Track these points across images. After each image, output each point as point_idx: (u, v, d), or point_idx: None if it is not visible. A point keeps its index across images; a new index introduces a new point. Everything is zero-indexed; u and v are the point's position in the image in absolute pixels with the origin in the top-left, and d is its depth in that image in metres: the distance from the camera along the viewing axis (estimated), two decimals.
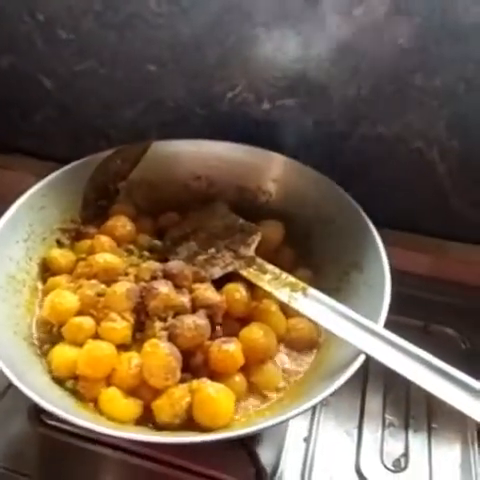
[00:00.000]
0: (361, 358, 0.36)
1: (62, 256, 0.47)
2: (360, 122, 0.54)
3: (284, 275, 0.45)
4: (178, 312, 0.42)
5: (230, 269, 0.46)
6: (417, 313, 0.54)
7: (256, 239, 0.48)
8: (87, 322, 0.41)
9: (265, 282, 0.44)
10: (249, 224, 0.50)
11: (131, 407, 0.38)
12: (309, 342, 0.44)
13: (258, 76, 0.54)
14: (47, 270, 0.47)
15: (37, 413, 0.45)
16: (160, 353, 0.38)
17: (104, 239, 0.47)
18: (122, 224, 0.49)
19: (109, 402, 0.38)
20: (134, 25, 0.54)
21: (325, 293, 0.43)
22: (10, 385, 0.46)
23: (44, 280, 0.46)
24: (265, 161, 0.53)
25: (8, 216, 0.45)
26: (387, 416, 0.47)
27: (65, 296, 0.41)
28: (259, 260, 0.46)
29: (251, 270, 0.46)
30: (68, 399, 0.39)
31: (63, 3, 0.54)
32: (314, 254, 0.50)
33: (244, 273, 0.46)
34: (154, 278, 0.43)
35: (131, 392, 0.39)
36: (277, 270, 0.45)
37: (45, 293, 0.45)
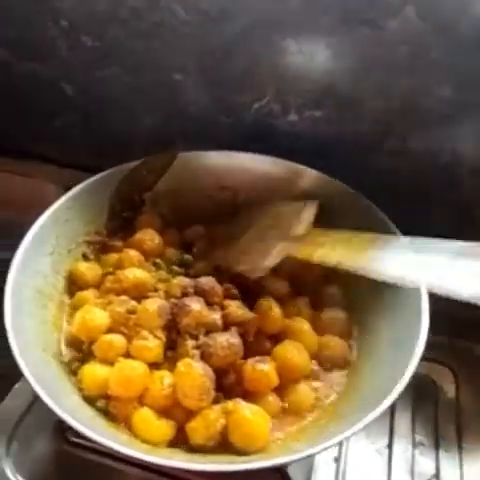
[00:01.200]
0: (405, 379, 0.36)
1: (89, 270, 0.46)
2: (388, 136, 0.53)
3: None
4: (210, 330, 0.41)
5: (283, 254, 0.44)
6: (442, 328, 0.54)
7: (310, 213, 0.46)
8: (118, 340, 0.40)
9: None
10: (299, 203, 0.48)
11: (164, 428, 0.38)
12: (341, 360, 0.43)
13: (286, 87, 0.53)
14: (73, 283, 0.46)
15: (62, 430, 0.44)
16: (194, 373, 0.37)
17: (133, 253, 0.46)
18: (150, 237, 0.48)
19: (142, 423, 0.37)
20: (160, 33, 0.53)
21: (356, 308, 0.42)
22: (34, 401, 0.46)
23: (71, 294, 0.46)
24: (293, 174, 0.52)
25: (35, 230, 0.44)
26: (417, 435, 0.47)
27: (95, 312, 0.41)
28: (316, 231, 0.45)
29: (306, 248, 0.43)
30: (99, 419, 0.38)
31: (89, 10, 0.54)
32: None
33: (298, 255, 0.43)
34: (185, 294, 0.42)
35: (164, 412, 0.38)
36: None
37: (73, 308, 0.44)
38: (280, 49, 0.51)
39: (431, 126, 0.52)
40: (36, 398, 0.46)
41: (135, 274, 0.43)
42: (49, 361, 0.40)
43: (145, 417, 0.38)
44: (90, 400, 0.39)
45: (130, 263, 0.45)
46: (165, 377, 0.39)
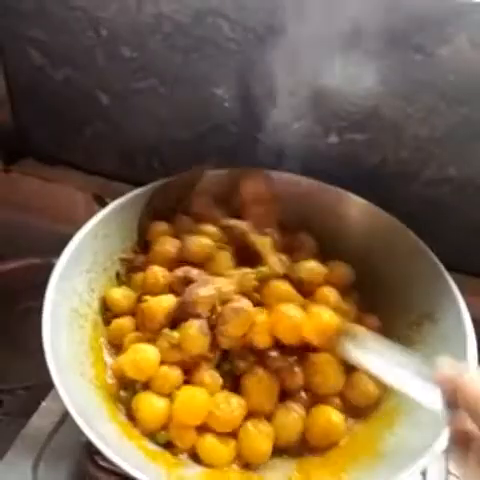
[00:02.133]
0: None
1: (124, 297, 0.45)
2: (430, 163, 0.53)
3: None
4: None
5: None
6: None
7: None
8: (173, 373, 0.40)
9: None
10: None
11: (229, 450, 0.38)
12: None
13: (328, 108, 0.52)
14: (108, 310, 0.45)
15: (90, 453, 0.43)
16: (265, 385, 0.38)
17: (156, 269, 0.44)
18: (170, 245, 0.46)
19: (209, 449, 0.38)
20: (203, 48, 0.52)
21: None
22: (63, 420, 0.45)
23: (104, 317, 0.45)
24: (332, 197, 0.51)
25: (73, 245, 0.43)
26: (450, 475, 0.46)
27: (145, 350, 0.40)
28: None
29: None
30: (136, 451, 0.37)
31: (130, 22, 0.53)
32: (381, 301, 0.48)
33: None
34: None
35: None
36: None
37: (112, 337, 0.43)
38: (325, 69, 0.50)
39: (474, 155, 0.51)
40: (64, 418, 0.45)
41: (162, 304, 0.42)
42: (87, 386, 0.39)
43: (211, 443, 0.38)
44: (150, 434, 0.39)
45: (155, 280, 0.44)
46: (230, 398, 0.38)
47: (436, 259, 0.46)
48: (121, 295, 0.45)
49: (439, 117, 0.50)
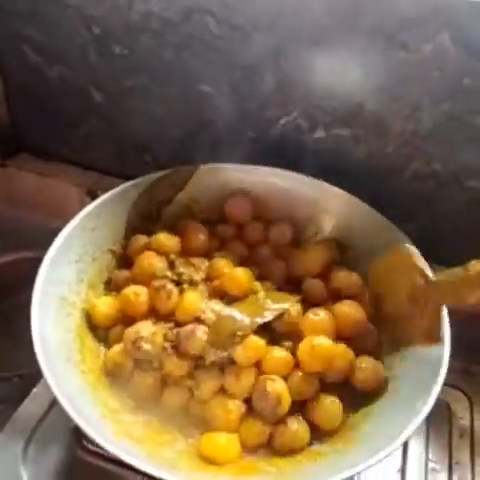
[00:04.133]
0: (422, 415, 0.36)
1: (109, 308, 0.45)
2: (415, 158, 0.54)
3: None
4: None
5: None
6: (459, 353, 0.54)
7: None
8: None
9: None
10: None
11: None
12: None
13: (315, 104, 0.53)
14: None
15: (79, 437, 0.45)
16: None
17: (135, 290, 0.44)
18: (149, 261, 0.46)
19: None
20: (191, 46, 0.54)
21: None
22: (52, 406, 0.47)
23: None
24: (319, 192, 0.52)
25: (62, 237, 0.44)
26: (430, 461, 0.47)
27: None
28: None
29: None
30: (122, 435, 0.38)
31: (121, 20, 0.54)
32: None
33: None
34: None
35: None
36: None
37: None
38: (311, 66, 0.51)
39: (458, 151, 0.52)
40: (53, 403, 0.47)
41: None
42: (73, 371, 0.40)
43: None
44: None
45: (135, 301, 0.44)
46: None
47: (418, 253, 0.47)
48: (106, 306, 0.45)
49: (423, 113, 0.51)
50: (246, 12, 0.49)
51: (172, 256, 0.47)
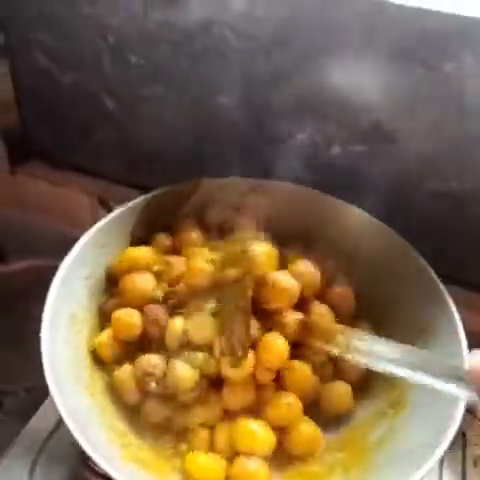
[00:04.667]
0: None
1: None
2: (432, 176, 0.53)
3: None
4: None
5: None
6: None
7: None
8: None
9: None
10: None
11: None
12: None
13: (331, 120, 0.53)
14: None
15: (86, 457, 0.44)
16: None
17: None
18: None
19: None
20: (208, 57, 0.53)
21: None
22: (59, 424, 0.46)
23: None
24: (332, 209, 0.51)
25: (75, 253, 0.44)
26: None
27: None
28: None
29: None
30: (127, 461, 0.37)
31: (138, 30, 0.53)
32: (377, 314, 0.48)
33: None
34: None
35: None
36: None
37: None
38: (329, 81, 0.50)
39: (476, 170, 0.51)
40: (60, 423, 0.46)
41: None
42: (82, 393, 0.39)
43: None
44: None
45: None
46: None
47: (434, 275, 0.46)
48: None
49: (442, 131, 0.50)
50: (264, 25, 0.49)
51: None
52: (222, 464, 0.39)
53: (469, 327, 0.43)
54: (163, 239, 0.50)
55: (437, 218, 0.54)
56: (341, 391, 0.44)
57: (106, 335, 0.43)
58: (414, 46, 0.46)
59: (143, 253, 0.46)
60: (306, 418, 0.42)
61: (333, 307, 0.46)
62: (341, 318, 0.46)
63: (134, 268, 0.45)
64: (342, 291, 0.48)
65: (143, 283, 0.44)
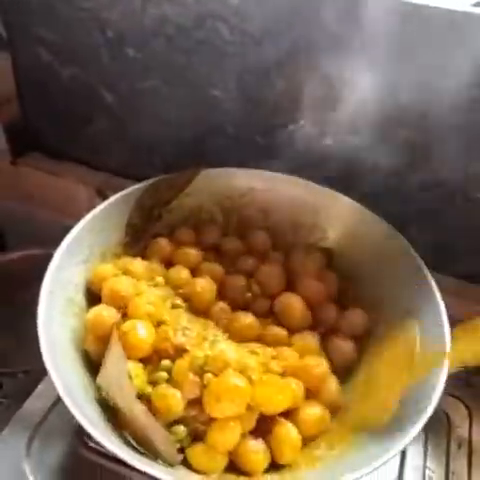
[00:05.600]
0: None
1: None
2: (422, 167, 0.54)
3: None
4: None
5: None
6: None
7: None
8: None
9: None
10: None
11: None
12: None
13: (323, 111, 0.54)
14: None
15: (81, 434, 0.45)
16: None
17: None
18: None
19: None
20: (203, 51, 0.54)
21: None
22: (56, 403, 0.47)
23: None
24: (325, 199, 0.53)
25: (70, 238, 0.45)
26: (427, 470, 0.47)
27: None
28: None
29: None
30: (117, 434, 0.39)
31: (135, 24, 0.55)
32: (365, 298, 0.49)
33: None
34: None
35: None
36: None
37: None
38: (321, 74, 0.51)
39: (467, 161, 0.52)
40: (58, 400, 0.47)
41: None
42: (79, 370, 0.41)
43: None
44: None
45: None
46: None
47: (422, 263, 0.47)
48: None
49: (433, 122, 0.51)
50: (258, 19, 0.50)
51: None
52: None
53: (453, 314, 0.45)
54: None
55: (429, 210, 0.56)
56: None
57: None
58: (409, 40, 0.47)
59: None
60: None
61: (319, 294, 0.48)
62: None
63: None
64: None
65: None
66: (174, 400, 0.39)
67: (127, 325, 0.41)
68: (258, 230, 0.54)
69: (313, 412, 0.41)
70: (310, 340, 0.45)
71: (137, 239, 0.52)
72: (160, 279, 0.48)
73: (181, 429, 0.39)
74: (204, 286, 0.46)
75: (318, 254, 0.52)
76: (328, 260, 0.52)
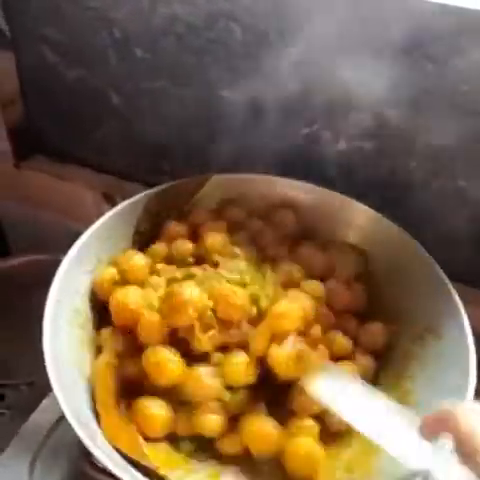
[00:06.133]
0: None
1: None
2: (439, 174, 0.52)
3: None
4: None
5: None
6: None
7: None
8: None
9: None
10: None
11: None
12: None
13: (338, 115, 0.52)
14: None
15: (87, 452, 0.44)
16: None
17: None
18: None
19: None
20: (214, 51, 0.52)
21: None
22: (61, 418, 0.46)
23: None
24: (337, 205, 0.51)
25: (78, 247, 0.43)
26: None
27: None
28: None
29: None
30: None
31: (144, 23, 0.53)
32: (385, 312, 0.47)
33: None
34: None
35: None
36: None
37: None
38: (336, 76, 0.50)
39: None
40: (62, 417, 0.46)
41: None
42: (83, 387, 0.39)
43: None
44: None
45: None
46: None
47: (442, 272, 0.45)
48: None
49: (450, 127, 0.49)
50: (271, 20, 0.48)
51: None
52: None
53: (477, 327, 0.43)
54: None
55: (446, 216, 0.54)
56: None
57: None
58: (422, 41, 0.45)
59: None
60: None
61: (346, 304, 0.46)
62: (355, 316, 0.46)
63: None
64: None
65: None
66: None
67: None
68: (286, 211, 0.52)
69: None
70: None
71: (145, 246, 0.50)
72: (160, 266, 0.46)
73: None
74: None
75: (353, 256, 0.50)
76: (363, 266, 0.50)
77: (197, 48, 0.53)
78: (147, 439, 0.39)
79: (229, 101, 0.55)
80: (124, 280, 0.44)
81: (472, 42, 0.44)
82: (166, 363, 0.39)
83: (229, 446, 0.40)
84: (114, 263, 0.46)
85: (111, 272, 0.45)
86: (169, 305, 0.40)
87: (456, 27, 0.43)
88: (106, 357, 0.40)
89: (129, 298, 0.41)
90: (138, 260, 0.45)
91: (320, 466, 0.38)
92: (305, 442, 0.38)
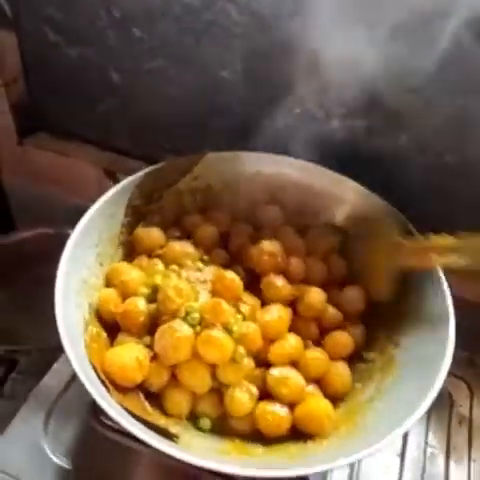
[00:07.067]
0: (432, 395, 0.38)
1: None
2: (427, 151, 0.54)
3: None
4: None
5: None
6: (463, 343, 0.55)
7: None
8: None
9: None
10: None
11: None
12: None
13: (331, 94, 0.54)
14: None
15: (96, 411, 0.47)
16: None
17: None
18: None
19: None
20: (211, 31, 0.54)
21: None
22: (71, 381, 0.49)
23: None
24: (332, 183, 0.53)
25: (83, 222, 0.46)
26: (428, 446, 0.49)
27: None
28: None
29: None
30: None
31: (143, 4, 0.54)
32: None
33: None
34: None
35: None
36: None
37: None
38: (329, 55, 0.51)
39: (470, 144, 0.52)
40: (73, 378, 0.49)
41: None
42: None
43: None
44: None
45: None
46: None
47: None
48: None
49: (438, 107, 0.51)
50: (267, 0, 0.49)
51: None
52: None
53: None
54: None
55: (435, 191, 0.56)
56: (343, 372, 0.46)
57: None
58: (413, 22, 0.47)
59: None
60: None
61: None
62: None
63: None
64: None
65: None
66: None
67: None
68: (269, 205, 0.55)
69: None
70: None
71: (137, 221, 0.53)
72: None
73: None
74: None
75: (330, 236, 0.53)
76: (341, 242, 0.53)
77: (195, 29, 0.54)
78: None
79: (226, 81, 0.57)
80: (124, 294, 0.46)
81: (461, 22, 0.45)
82: None
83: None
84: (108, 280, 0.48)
85: (109, 292, 0.47)
86: None
87: (445, 7, 0.45)
88: None
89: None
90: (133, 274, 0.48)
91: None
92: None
